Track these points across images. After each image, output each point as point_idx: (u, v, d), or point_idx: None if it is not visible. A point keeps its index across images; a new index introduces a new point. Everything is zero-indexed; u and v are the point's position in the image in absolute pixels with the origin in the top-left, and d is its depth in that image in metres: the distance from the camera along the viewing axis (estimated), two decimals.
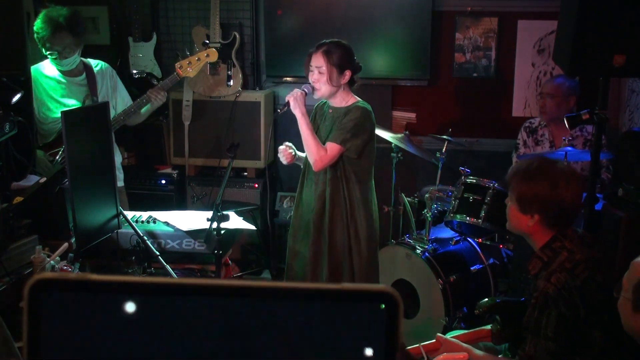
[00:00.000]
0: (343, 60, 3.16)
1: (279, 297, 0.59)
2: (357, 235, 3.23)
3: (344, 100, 3.23)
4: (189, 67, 3.63)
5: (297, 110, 3.15)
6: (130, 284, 0.59)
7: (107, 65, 3.76)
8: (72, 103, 3.56)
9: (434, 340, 2.42)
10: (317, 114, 3.36)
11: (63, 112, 2.57)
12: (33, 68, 3.39)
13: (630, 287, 1.77)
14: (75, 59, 3.55)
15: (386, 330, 0.58)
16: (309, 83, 3.20)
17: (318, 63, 3.15)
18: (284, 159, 3.30)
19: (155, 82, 4.46)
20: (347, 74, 3.18)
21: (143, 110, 3.70)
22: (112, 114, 3.52)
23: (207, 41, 4.45)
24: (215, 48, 4.43)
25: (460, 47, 4.53)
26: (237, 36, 4.55)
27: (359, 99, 3.25)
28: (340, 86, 3.20)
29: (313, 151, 3.15)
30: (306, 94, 3.20)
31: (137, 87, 4.42)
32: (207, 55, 3.65)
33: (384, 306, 0.58)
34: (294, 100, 3.14)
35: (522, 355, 2.20)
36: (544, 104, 3.96)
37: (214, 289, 0.59)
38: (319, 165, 3.16)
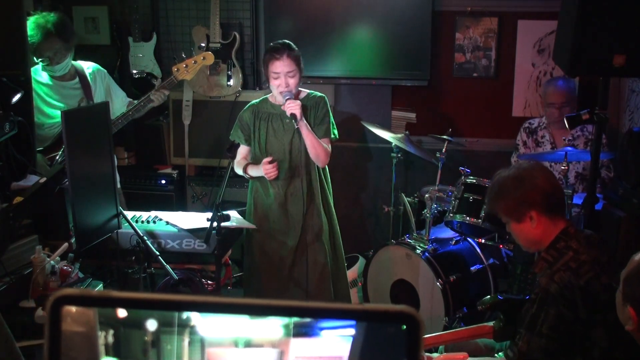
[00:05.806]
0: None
1: (300, 316, 0.59)
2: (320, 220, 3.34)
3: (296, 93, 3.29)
4: (186, 70, 3.64)
5: (302, 123, 3.15)
6: (150, 301, 0.59)
7: (98, 67, 3.76)
8: (67, 108, 3.56)
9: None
10: (255, 118, 3.32)
11: (63, 112, 2.57)
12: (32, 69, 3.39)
13: (622, 279, 1.81)
14: (67, 64, 3.55)
15: (407, 351, 0.57)
16: (285, 90, 3.16)
17: (290, 68, 3.16)
18: (273, 174, 3.19)
19: (155, 82, 4.46)
20: None
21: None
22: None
23: (203, 44, 4.45)
24: (215, 48, 4.44)
25: (460, 47, 4.53)
26: (237, 36, 4.54)
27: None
28: None
29: (323, 154, 3.23)
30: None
31: (137, 87, 4.41)
32: (204, 59, 3.66)
33: (405, 327, 0.57)
34: (300, 113, 3.13)
35: (515, 351, 2.20)
36: (559, 113, 3.85)
37: (232, 307, 0.59)
38: (327, 162, 3.29)
